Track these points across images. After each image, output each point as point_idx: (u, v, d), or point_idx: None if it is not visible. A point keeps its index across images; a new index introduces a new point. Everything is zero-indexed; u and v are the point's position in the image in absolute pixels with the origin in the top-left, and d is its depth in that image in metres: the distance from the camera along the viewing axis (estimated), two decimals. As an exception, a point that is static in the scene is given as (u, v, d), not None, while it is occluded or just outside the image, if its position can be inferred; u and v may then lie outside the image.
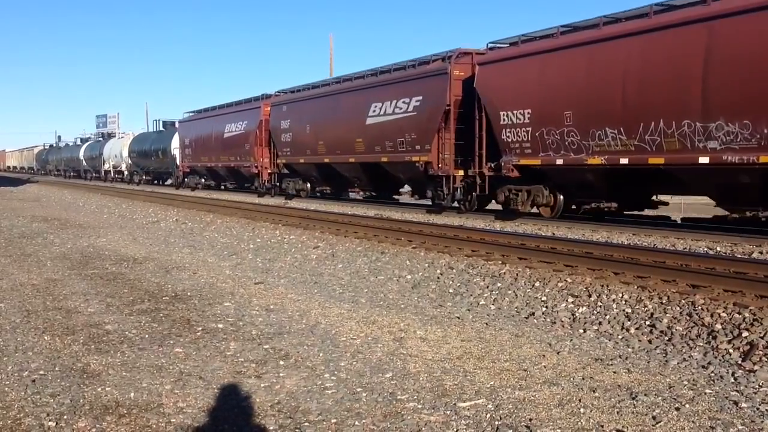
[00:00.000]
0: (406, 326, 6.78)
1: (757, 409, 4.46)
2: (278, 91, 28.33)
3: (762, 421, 4.25)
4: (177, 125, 39.20)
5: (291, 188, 27.00)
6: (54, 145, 78.84)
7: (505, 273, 9.22)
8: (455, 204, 18.24)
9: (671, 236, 12.16)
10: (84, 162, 60.18)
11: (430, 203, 19.67)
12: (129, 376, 5.13)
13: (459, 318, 7.27)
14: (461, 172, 17.84)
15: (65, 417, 4.31)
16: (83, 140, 66.61)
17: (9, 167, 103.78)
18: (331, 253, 11.85)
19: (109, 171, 52.86)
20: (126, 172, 49.70)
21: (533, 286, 8.47)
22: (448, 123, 18.01)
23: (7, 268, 10.52)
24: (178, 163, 38.11)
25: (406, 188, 22.78)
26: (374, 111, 20.73)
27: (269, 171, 27.90)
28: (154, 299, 8.10)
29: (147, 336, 6.36)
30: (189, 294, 8.44)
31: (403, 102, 19.60)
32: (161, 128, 44.31)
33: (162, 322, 6.89)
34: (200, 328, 6.65)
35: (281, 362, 5.53)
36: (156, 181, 46.89)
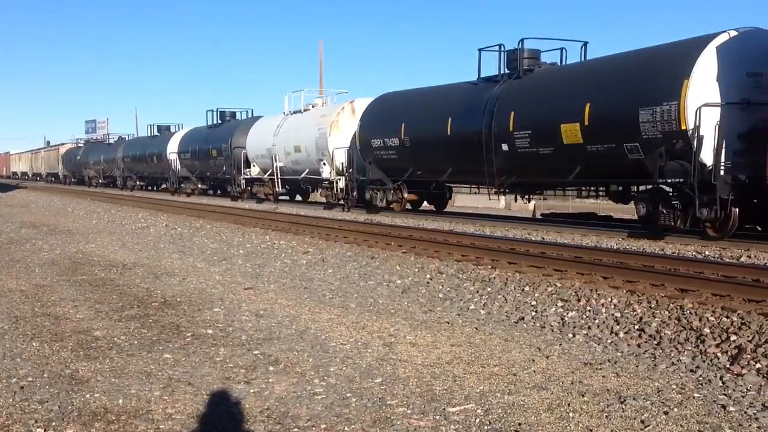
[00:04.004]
0: (396, 331, 6.78)
1: (745, 412, 4.49)
2: None
3: (749, 425, 4.28)
4: None
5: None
6: (98, 139, 56.64)
7: (494, 278, 9.24)
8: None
9: (660, 240, 12.22)
10: (177, 164, 35.91)
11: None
12: (118, 383, 5.11)
13: (449, 323, 7.28)
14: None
15: (54, 424, 4.29)
16: (162, 128, 42.23)
17: (15, 173, 78.81)
18: (320, 258, 11.85)
19: (263, 180, 27.29)
20: (333, 181, 22.69)
21: (523, 290, 8.49)
22: None
23: (-6, 274, 10.43)
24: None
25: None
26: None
27: None
28: (144, 305, 8.07)
29: (136, 342, 6.33)
30: (178, 300, 8.41)
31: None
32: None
33: (151, 328, 6.87)
34: (189, 334, 6.63)
35: (271, 368, 5.52)
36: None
